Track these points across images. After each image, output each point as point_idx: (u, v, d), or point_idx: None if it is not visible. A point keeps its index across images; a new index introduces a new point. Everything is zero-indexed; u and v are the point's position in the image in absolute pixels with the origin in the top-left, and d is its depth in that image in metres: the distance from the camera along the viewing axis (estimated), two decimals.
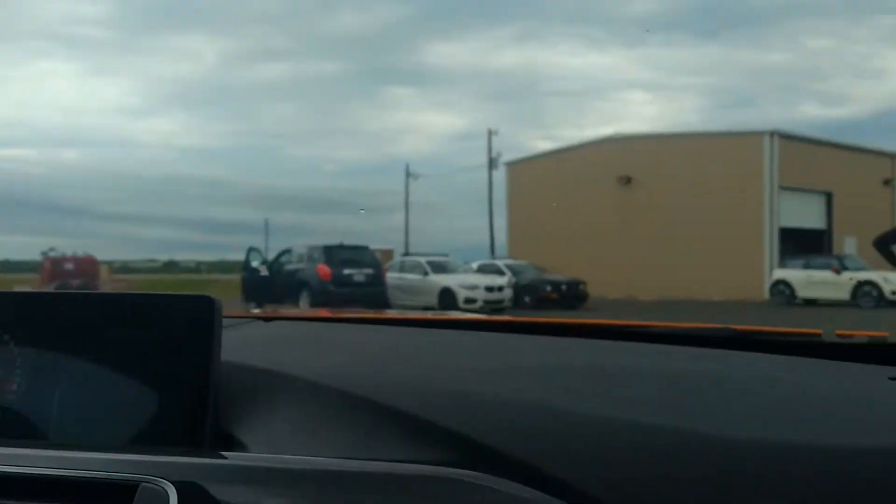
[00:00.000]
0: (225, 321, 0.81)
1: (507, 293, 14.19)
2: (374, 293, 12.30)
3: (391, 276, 13.98)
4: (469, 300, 13.45)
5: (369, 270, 12.93)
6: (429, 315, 1.44)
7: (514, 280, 14.87)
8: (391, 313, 1.60)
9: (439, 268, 14.42)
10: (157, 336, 0.77)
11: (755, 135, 20.11)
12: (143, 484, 0.64)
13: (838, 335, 0.98)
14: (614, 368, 0.88)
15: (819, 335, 0.99)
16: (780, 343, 1.01)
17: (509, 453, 0.67)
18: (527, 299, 14.85)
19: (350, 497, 0.65)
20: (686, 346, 1.01)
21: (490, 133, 25.06)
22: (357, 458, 0.69)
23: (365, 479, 0.66)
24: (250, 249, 13.52)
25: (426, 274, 14.16)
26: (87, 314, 0.80)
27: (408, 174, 27.77)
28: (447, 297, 13.52)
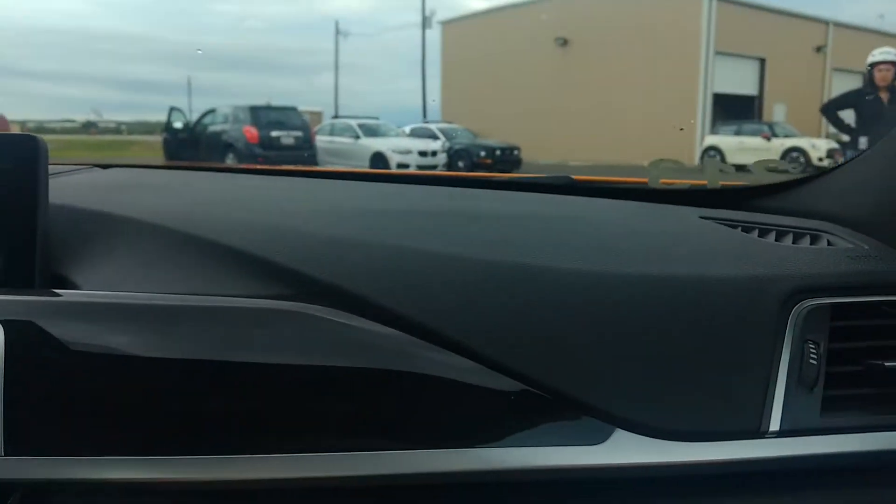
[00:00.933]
0: (61, 168, 0.78)
1: (441, 158, 13.96)
2: (302, 157, 11.92)
3: (320, 140, 13.57)
4: (402, 165, 13.19)
5: (298, 133, 12.45)
6: (285, 168, 1.39)
7: (447, 145, 14.61)
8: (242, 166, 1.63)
9: (371, 131, 14.01)
10: None
11: None
12: None
13: (662, 183, 1.06)
14: (455, 211, 0.92)
15: (645, 183, 1.07)
16: (611, 189, 1.08)
17: (345, 287, 0.69)
18: (460, 164, 14.67)
19: (188, 329, 0.65)
20: (529, 192, 1.07)
21: None
22: (193, 294, 0.69)
23: (202, 313, 0.67)
24: (172, 109, 12.81)
25: (357, 137, 13.74)
26: None
27: (337, 31, 26.63)
28: (379, 162, 13.22)
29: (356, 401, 0.66)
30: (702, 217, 0.91)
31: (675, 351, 0.70)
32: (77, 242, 0.79)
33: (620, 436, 0.67)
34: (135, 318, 0.67)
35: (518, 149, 15.41)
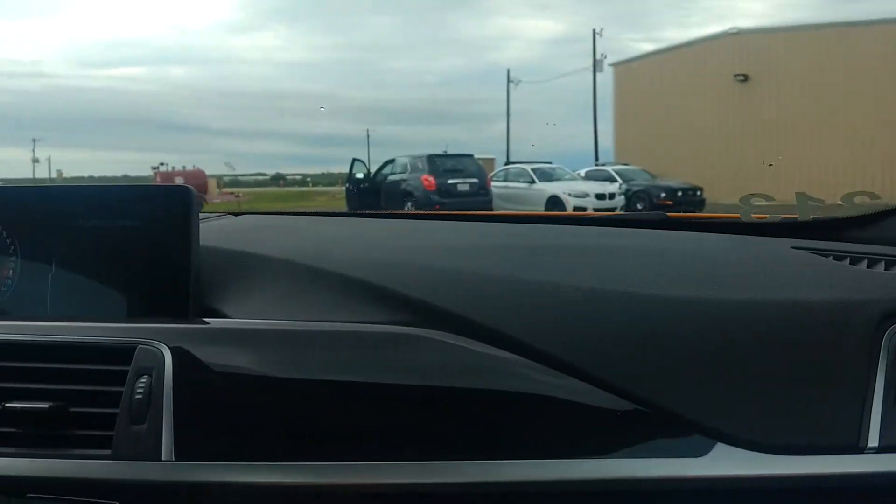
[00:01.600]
0: (203, 215, 0.91)
1: (619, 200, 13.62)
2: (478, 202, 12.00)
3: (496, 185, 13.61)
4: (578, 208, 12.96)
5: (474, 180, 12.59)
6: (408, 212, 1.54)
7: (625, 187, 14.22)
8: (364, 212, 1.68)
9: (546, 175, 13.92)
10: (140, 222, 0.84)
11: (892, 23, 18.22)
12: (140, 346, 0.73)
13: (755, 217, 1.10)
14: (562, 245, 1.00)
15: (738, 218, 1.11)
16: (705, 224, 1.13)
17: (461, 313, 0.77)
18: (639, 206, 14.21)
19: (321, 351, 0.74)
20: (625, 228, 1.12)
21: (595, 33, 23.79)
22: (327, 321, 0.78)
23: (336, 338, 0.76)
24: (354, 161, 13.36)
25: (532, 182, 13.70)
26: (76, 206, 0.86)
27: (509, 79, 26.99)
28: (555, 206, 13.07)
29: (473, 416, 0.73)
30: (794, 247, 0.94)
31: (774, 369, 0.73)
32: (222, 278, 0.88)
33: (722, 449, 0.70)
34: (275, 342, 0.75)
35: (700, 189, 14.75)
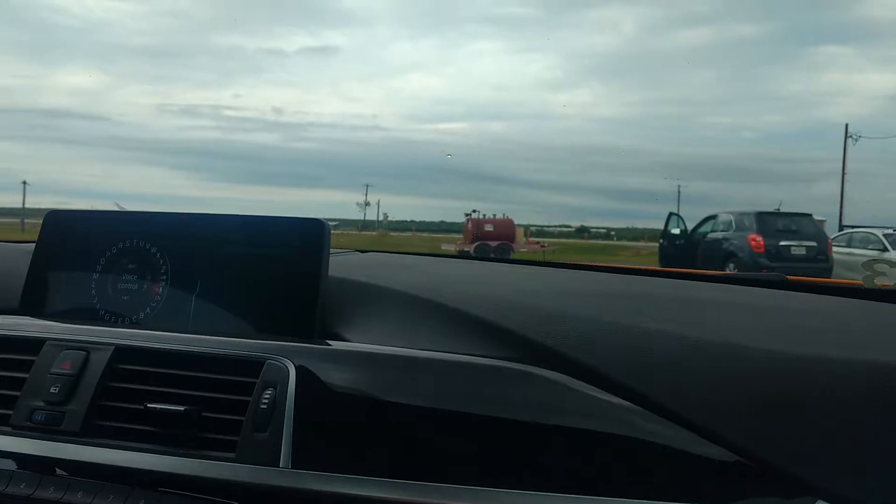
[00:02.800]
0: (332, 250, 0.95)
1: None
2: (815, 269, 10.36)
3: (837, 251, 11.79)
4: None
5: (811, 243, 10.96)
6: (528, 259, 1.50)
7: None
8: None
9: None
10: (277, 250, 0.93)
11: None
12: (269, 361, 0.81)
13: (878, 284, 1.11)
14: (674, 297, 1.03)
15: (860, 284, 1.12)
16: (826, 287, 1.18)
17: (568, 354, 0.79)
18: None
19: (433, 380, 0.79)
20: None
21: None
22: (440, 351, 0.83)
23: (447, 367, 0.80)
24: (671, 215, 12.40)
25: (884, 250, 11.72)
26: (221, 233, 0.96)
27: (847, 135, 24.15)
28: None
29: (572, 455, 0.74)
30: None
31: (881, 431, 0.71)
32: (346, 306, 0.94)
33: None
34: (390, 366, 0.81)
35: None
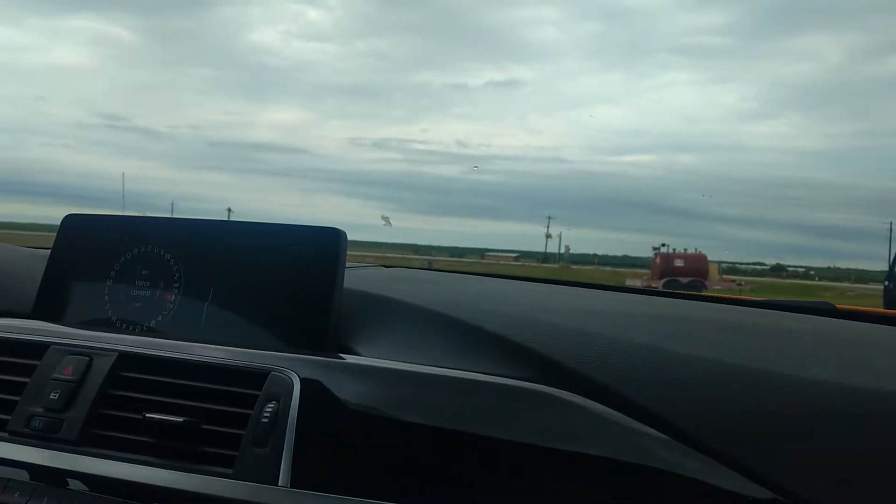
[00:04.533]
0: (351, 264, 0.94)
1: None
2: None
3: None
4: None
5: None
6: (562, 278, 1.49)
7: None
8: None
9: None
10: (292, 259, 0.91)
11: None
12: (273, 372, 0.77)
13: None
14: (707, 320, 0.96)
15: None
16: (875, 316, 1.08)
17: (588, 374, 0.75)
18: None
19: (445, 398, 0.75)
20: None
21: None
22: (453, 369, 0.79)
23: (460, 385, 0.76)
24: None
25: None
26: (236, 241, 0.95)
27: None
28: None
29: (588, 481, 0.70)
30: None
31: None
32: (361, 320, 0.90)
33: None
34: (400, 382, 0.77)
35: None
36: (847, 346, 0.89)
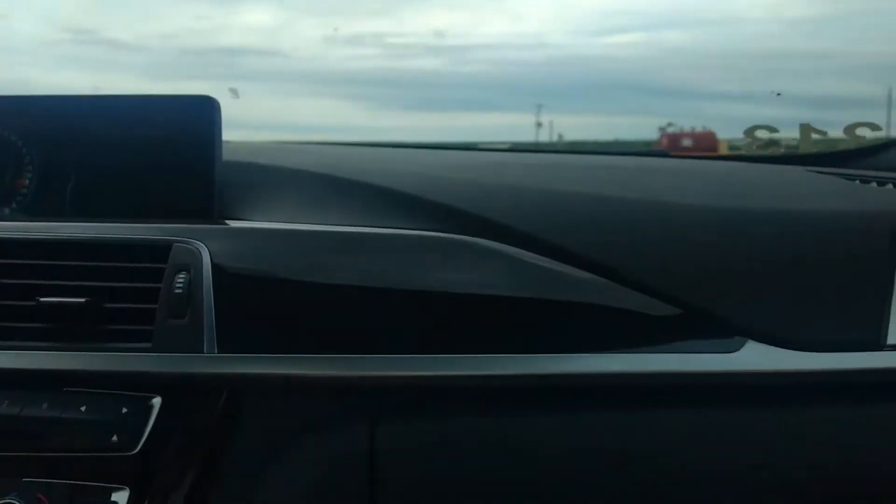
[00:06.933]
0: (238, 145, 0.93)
1: None
2: None
3: None
4: None
5: None
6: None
7: None
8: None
9: None
10: (162, 131, 0.86)
11: None
12: (177, 244, 0.75)
13: (758, 149, 1.24)
14: (597, 166, 1.07)
15: (742, 154, 1.26)
16: (712, 158, 1.35)
17: (497, 220, 0.79)
18: None
19: (355, 255, 0.77)
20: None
21: None
22: (360, 227, 0.80)
23: (368, 241, 0.78)
24: None
25: None
26: (94, 116, 0.87)
27: None
28: None
29: (511, 313, 0.76)
30: (807, 170, 1.05)
31: (801, 272, 0.81)
32: (247, 188, 0.87)
33: (753, 346, 0.78)
34: (309, 243, 0.77)
35: None
36: (709, 177, 1.03)
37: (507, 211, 0.80)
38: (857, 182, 1.01)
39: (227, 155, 0.88)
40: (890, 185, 0.99)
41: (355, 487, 0.76)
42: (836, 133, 1.21)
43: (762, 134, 1.23)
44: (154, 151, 0.85)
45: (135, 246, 0.76)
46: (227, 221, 0.82)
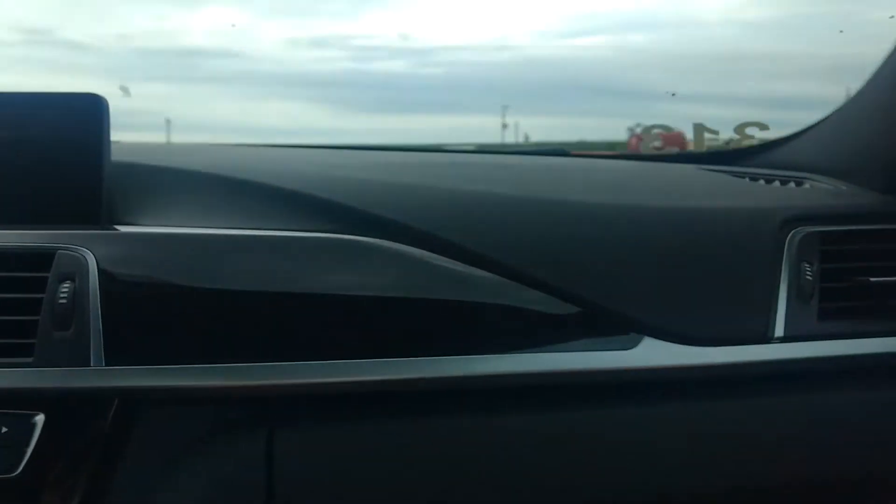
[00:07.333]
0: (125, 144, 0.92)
1: None
2: None
3: None
4: None
5: None
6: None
7: None
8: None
9: None
10: (46, 130, 0.79)
11: None
12: (60, 251, 0.70)
13: (653, 149, 1.39)
14: (484, 163, 1.12)
15: (638, 153, 1.38)
16: (608, 157, 1.41)
17: (395, 220, 0.78)
18: None
19: (249, 259, 0.74)
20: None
21: None
22: (252, 230, 0.77)
23: (262, 244, 0.75)
24: None
25: None
26: None
27: None
28: None
29: (410, 314, 0.75)
30: (699, 169, 1.10)
31: (692, 269, 0.82)
32: (134, 193, 0.81)
33: (649, 342, 0.78)
34: (200, 248, 0.74)
35: None
36: (601, 175, 1.08)
37: (405, 211, 0.79)
38: (747, 179, 1.04)
39: (116, 156, 0.83)
40: (777, 183, 1.03)
41: (252, 498, 0.74)
42: (728, 134, 1.29)
43: (658, 132, 1.33)
44: (36, 152, 0.79)
45: (15, 254, 0.71)
46: (115, 227, 0.77)
